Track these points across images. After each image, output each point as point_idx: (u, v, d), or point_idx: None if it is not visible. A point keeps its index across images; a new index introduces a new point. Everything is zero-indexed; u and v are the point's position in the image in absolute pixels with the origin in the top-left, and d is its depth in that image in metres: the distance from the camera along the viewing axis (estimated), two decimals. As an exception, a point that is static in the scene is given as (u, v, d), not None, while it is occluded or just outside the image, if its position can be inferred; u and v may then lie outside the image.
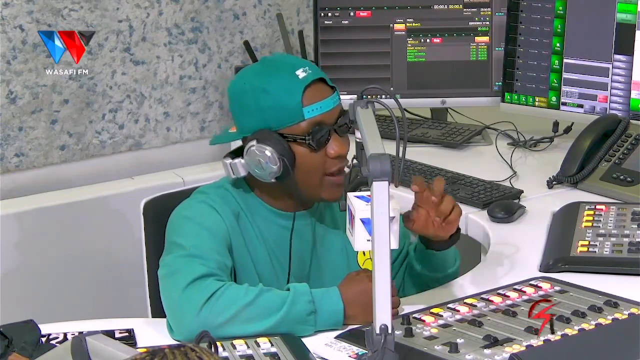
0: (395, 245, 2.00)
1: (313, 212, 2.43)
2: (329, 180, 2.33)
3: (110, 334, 2.17)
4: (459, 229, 2.39)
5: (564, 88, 3.38)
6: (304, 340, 2.14)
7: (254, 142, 2.29)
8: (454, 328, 2.13)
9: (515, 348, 2.02)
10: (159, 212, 2.61)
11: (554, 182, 3.05)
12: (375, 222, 1.94)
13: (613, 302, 2.22)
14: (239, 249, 2.35)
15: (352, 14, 3.59)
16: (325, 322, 2.18)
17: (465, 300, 2.25)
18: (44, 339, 2.13)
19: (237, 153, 2.38)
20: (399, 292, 2.43)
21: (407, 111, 3.59)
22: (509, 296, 2.27)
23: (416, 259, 2.45)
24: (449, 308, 2.22)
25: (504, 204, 2.85)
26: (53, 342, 2.15)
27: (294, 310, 2.16)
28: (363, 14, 3.59)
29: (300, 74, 2.30)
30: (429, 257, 2.43)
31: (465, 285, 2.42)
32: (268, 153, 2.27)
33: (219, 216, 2.33)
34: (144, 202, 2.63)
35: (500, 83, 3.53)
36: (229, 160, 2.35)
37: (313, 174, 2.32)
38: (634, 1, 3.23)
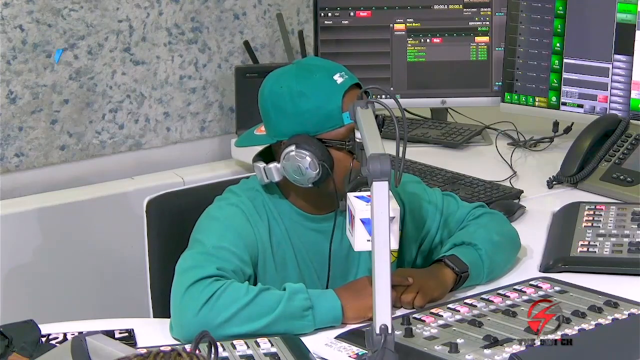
0: (395, 245, 2.00)
1: (340, 213, 2.42)
2: None
3: (110, 334, 2.17)
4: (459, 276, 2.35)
5: (564, 88, 3.38)
6: (304, 340, 2.14)
7: (292, 148, 2.27)
8: (454, 328, 2.13)
9: (515, 348, 2.02)
10: (162, 210, 2.61)
11: (554, 182, 3.05)
12: (375, 222, 1.93)
13: (613, 302, 2.22)
14: (265, 254, 2.34)
15: (352, 14, 3.59)
16: (324, 318, 2.18)
17: (465, 300, 2.25)
18: (44, 339, 2.13)
19: (266, 155, 2.37)
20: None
21: (407, 111, 3.58)
22: (509, 296, 2.27)
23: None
24: (449, 308, 2.22)
25: (504, 204, 2.84)
26: (53, 342, 2.15)
27: (290, 307, 2.15)
28: (363, 14, 3.59)
29: (338, 78, 2.29)
30: None
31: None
32: (308, 159, 2.26)
33: (249, 222, 2.32)
34: (147, 200, 2.62)
35: (500, 83, 3.53)
36: (262, 165, 2.33)
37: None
38: (634, 1, 3.23)
